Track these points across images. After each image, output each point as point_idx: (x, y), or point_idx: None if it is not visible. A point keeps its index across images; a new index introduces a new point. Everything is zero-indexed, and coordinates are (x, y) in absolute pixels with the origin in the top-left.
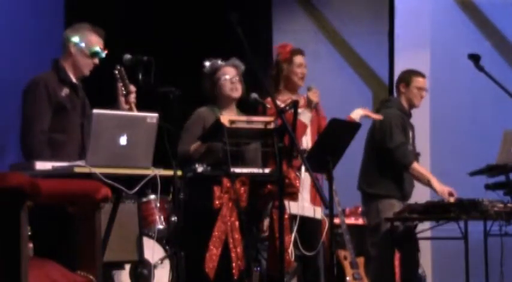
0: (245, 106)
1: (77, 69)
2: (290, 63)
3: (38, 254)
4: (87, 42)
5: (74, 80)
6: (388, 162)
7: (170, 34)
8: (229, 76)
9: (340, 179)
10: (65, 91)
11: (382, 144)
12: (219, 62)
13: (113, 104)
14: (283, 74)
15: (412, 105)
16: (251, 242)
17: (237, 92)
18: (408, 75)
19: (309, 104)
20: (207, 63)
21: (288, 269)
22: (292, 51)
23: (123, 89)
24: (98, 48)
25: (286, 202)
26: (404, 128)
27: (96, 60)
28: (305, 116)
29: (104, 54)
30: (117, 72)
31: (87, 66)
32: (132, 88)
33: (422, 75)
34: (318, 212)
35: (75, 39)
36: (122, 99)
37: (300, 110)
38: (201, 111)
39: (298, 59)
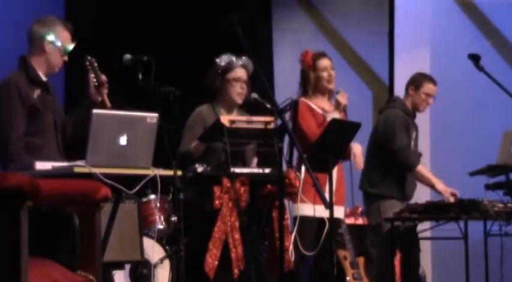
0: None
1: (50, 67)
2: (315, 69)
3: (38, 254)
4: (62, 41)
5: (43, 78)
6: (391, 163)
7: (170, 34)
8: (241, 80)
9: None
10: (37, 92)
11: (385, 145)
12: (234, 60)
13: (84, 95)
14: (311, 82)
15: (416, 109)
16: (251, 242)
17: (243, 97)
18: (420, 79)
19: (338, 106)
20: (222, 58)
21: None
22: (314, 56)
23: (94, 80)
24: (71, 47)
25: (286, 202)
26: (407, 129)
27: (66, 58)
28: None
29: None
30: (88, 63)
31: (60, 64)
32: (104, 78)
33: (434, 82)
34: (339, 211)
35: (51, 37)
36: (93, 90)
37: (328, 114)
38: (202, 109)
39: (321, 63)
